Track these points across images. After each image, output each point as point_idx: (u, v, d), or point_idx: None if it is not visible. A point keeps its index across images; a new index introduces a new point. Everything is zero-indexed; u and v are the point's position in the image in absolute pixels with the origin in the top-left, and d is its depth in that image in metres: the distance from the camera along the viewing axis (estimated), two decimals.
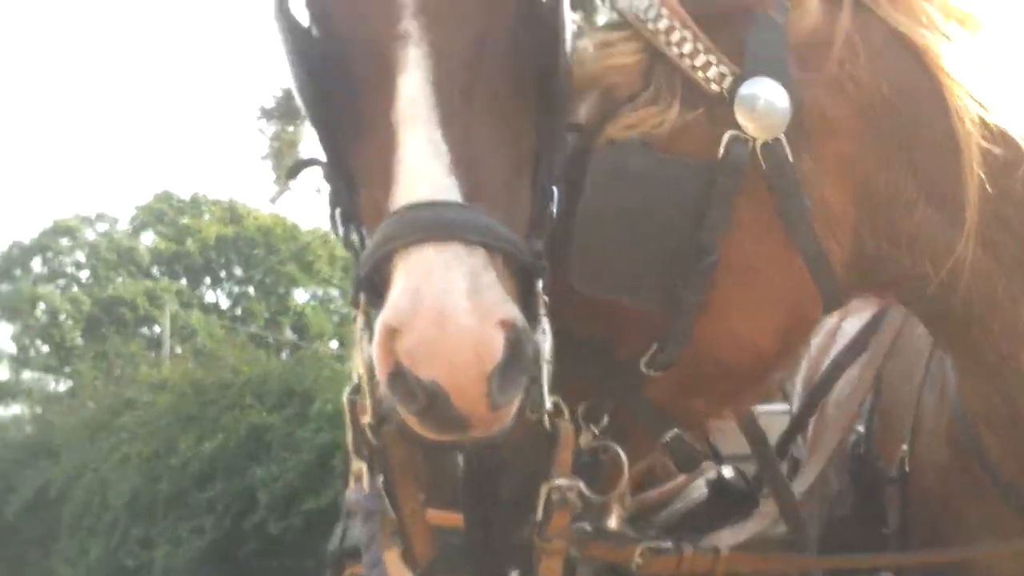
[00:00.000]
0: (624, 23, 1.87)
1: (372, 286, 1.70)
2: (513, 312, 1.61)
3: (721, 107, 1.80)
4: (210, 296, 45.39)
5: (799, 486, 2.45)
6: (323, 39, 1.85)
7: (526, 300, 1.70)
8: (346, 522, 2.67)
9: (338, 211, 1.84)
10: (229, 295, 45.36)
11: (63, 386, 33.84)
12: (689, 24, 1.81)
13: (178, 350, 33.70)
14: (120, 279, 41.83)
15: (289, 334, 39.62)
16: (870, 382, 2.56)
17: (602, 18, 2.25)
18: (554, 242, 1.80)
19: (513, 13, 1.83)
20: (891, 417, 2.49)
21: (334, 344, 36.48)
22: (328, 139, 1.86)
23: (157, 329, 38.61)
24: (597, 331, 1.85)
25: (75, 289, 40.83)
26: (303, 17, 1.88)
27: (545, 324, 1.69)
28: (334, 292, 41.52)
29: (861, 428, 2.57)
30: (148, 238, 44.75)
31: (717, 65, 1.81)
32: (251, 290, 44.13)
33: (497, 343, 1.57)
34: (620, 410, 1.86)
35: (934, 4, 1.94)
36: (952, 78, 1.88)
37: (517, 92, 1.81)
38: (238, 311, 43.97)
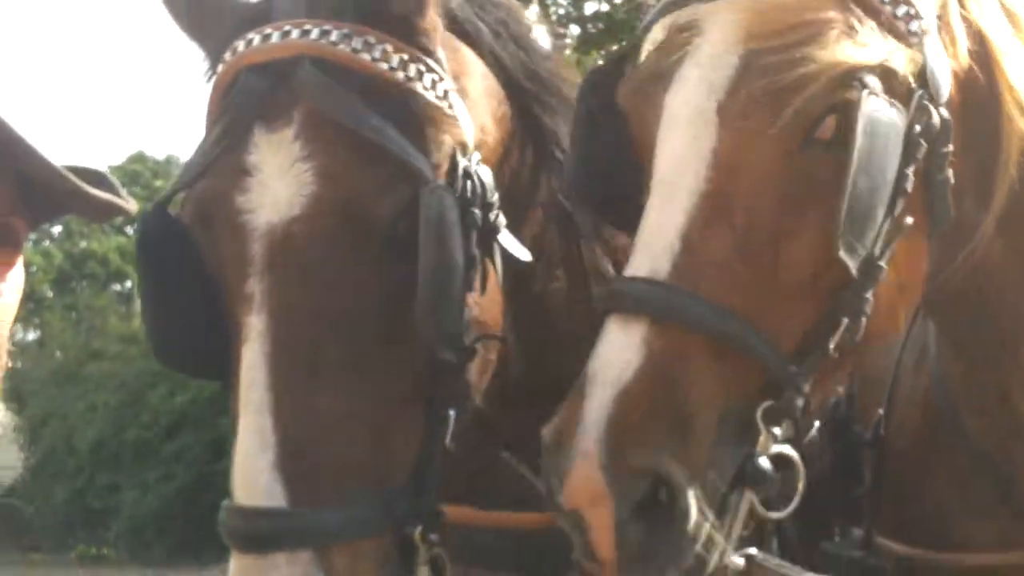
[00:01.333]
0: None
1: None
2: None
3: (914, 63, 1.71)
4: None
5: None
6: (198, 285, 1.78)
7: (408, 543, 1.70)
8: None
9: None
10: None
11: (32, 336, 33.53)
12: None
13: None
14: (92, 236, 41.42)
15: None
16: None
17: None
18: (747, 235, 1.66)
19: (382, 242, 1.69)
20: (871, 382, 2.54)
21: None
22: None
23: (128, 284, 38.25)
24: (774, 314, 1.67)
25: (47, 243, 40.34)
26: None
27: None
28: None
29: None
30: None
31: (918, 19, 1.72)
32: None
33: None
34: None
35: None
36: (1010, 82, 1.86)
37: (399, 323, 1.69)
38: None
